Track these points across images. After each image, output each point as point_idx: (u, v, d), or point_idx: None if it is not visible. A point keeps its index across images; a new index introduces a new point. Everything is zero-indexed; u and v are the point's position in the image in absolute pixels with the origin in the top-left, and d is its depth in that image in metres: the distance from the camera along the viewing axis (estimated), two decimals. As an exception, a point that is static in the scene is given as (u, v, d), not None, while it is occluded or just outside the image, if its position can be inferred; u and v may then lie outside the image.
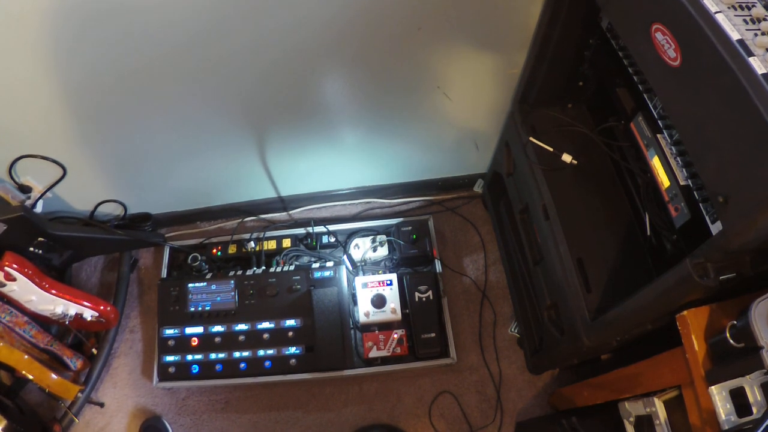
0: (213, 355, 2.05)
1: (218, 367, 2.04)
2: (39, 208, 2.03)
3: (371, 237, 2.28)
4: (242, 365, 2.04)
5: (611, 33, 1.32)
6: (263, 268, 2.17)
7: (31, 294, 1.86)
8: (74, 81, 1.57)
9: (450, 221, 2.47)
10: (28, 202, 1.99)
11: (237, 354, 2.04)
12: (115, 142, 1.89)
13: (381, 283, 2.10)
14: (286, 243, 2.28)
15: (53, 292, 1.90)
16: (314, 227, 2.29)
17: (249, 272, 2.14)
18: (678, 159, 1.19)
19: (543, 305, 1.80)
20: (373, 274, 2.19)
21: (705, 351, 1.10)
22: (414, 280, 2.13)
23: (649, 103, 1.23)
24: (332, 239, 2.29)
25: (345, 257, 2.18)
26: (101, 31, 1.41)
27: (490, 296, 2.30)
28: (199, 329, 2.07)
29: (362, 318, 2.06)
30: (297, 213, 2.51)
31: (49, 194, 2.04)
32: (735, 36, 0.85)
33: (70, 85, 1.59)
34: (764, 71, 0.81)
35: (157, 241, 2.33)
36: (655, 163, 1.28)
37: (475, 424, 2.11)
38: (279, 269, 2.13)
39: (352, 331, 2.10)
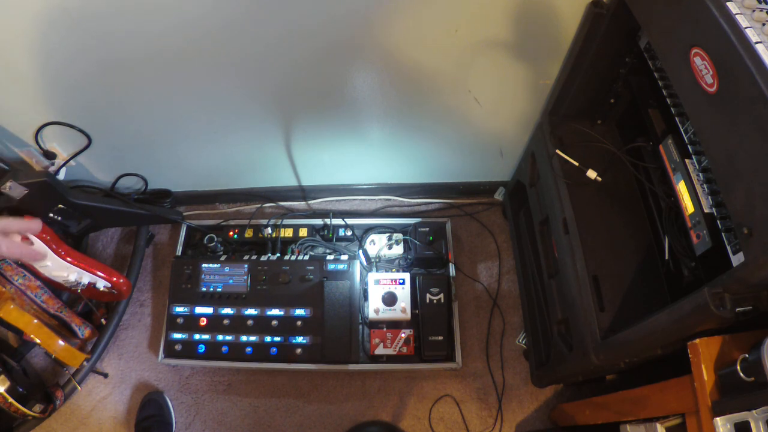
0: (220, 337, 2.06)
1: (224, 349, 2.05)
2: (62, 176, 2.05)
3: (388, 234, 2.27)
4: (248, 349, 2.04)
5: (649, 53, 1.31)
6: (278, 255, 2.18)
7: (47, 259, 1.87)
8: (108, 54, 1.58)
9: (468, 226, 2.46)
10: (52, 169, 2.01)
11: (244, 338, 2.05)
12: (142, 117, 1.90)
13: (394, 281, 2.10)
14: (303, 232, 2.28)
15: (69, 259, 1.91)
16: (332, 219, 2.29)
17: (263, 258, 2.14)
18: (704, 186, 1.18)
19: (554, 319, 1.79)
20: (386, 271, 2.19)
21: (714, 381, 1.09)
22: (427, 282, 2.13)
23: (680, 126, 1.22)
24: (349, 233, 2.29)
25: (360, 252, 2.18)
26: (140, 7, 1.41)
27: (501, 305, 2.29)
28: (209, 310, 2.08)
29: (372, 314, 2.07)
30: (316, 203, 2.51)
31: (72, 162, 2.06)
32: (775, 67, 0.84)
33: (104, 58, 1.59)
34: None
35: (174, 218, 2.34)
36: (681, 187, 1.27)
37: (474, 430, 2.10)
38: (293, 258, 2.14)
39: (360, 327, 2.10)
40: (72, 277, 1.94)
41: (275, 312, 2.06)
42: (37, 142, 1.94)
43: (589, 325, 1.47)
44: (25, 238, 1.77)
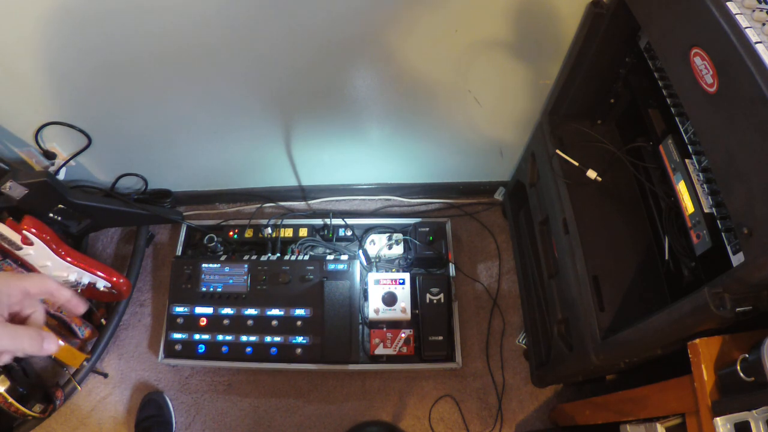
0: (220, 337, 2.06)
1: (224, 349, 2.05)
2: (62, 176, 2.05)
3: (388, 234, 2.27)
4: (248, 350, 2.04)
5: (649, 53, 1.31)
6: (278, 255, 2.18)
7: (47, 259, 1.87)
8: (109, 55, 1.58)
9: (468, 226, 2.46)
10: (52, 169, 2.01)
11: (244, 338, 2.05)
12: (142, 117, 1.90)
13: (394, 281, 2.09)
14: (303, 232, 2.28)
15: (69, 259, 1.90)
16: (332, 219, 2.29)
17: (263, 258, 2.14)
18: (705, 186, 1.18)
19: (554, 319, 1.79)
20: (386, 271, 2.19)
21: (714, 381, 1.09)
22: (427, 282, 2.13)
23: (680, 126, 1.22)
24: (349, 233, 2.29)
25: (360, 252, 2.18)
26: (140, 9, 1.41)
27: (501, 305, 2.29)
28: (209, 310, 2.08)
29: (372, 314, 2.06)
30: (316, 203, 2.51)
31: (72, 162, 2.06)
32: (775, 68, 0.84)
33: (105, 58, 1.60)
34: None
35: (174, 219, 2.34)
36: (681, 187, 1.27)
37: (474, 430, 2.10)
38: (293, 258, 2.13)
39: (360, 327, 2.10)
40: (72, 278, 1.93)
41: (275, 312, 2.06)
42: (37, 142, 1.94)
43: (589, 325, 1.47)
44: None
